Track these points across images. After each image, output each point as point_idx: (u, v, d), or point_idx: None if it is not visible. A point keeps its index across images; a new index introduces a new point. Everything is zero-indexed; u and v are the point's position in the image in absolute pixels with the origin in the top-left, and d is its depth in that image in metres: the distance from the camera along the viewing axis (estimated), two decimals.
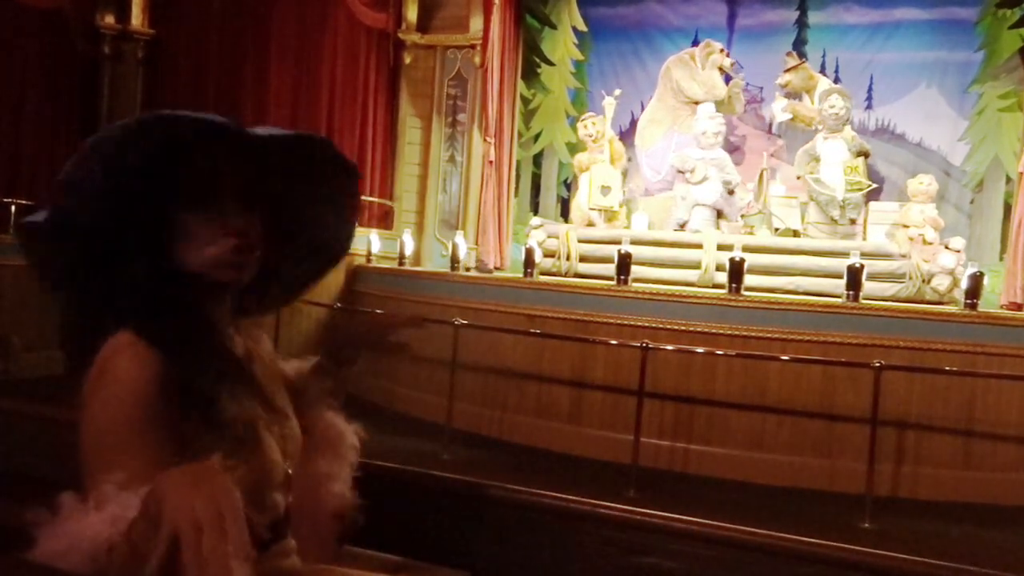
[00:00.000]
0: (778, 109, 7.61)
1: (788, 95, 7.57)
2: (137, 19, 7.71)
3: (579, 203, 7.56)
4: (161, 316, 1.17)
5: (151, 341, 1.12)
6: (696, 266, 6.35)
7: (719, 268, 6.16)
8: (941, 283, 5.99)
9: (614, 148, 7.62)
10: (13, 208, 6.85)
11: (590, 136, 7.51)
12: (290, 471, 1.29)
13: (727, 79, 7.71)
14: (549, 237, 7.10)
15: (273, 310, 1.48)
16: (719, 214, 7.01)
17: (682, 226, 6.96)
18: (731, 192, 7.06)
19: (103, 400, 1.09)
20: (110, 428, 1.07)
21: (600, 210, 7.39)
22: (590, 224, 7.39)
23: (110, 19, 7.63)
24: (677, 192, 7.17)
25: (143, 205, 1.17)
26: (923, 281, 6.00)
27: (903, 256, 6.07)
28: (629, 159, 8.06)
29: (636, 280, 6.01)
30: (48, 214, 1.15)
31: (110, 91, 7.70)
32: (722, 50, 7.65)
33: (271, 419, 1.27)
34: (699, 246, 6.44)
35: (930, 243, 6.16)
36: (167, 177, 1.17)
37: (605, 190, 7.33)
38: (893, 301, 5.85)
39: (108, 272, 1.18)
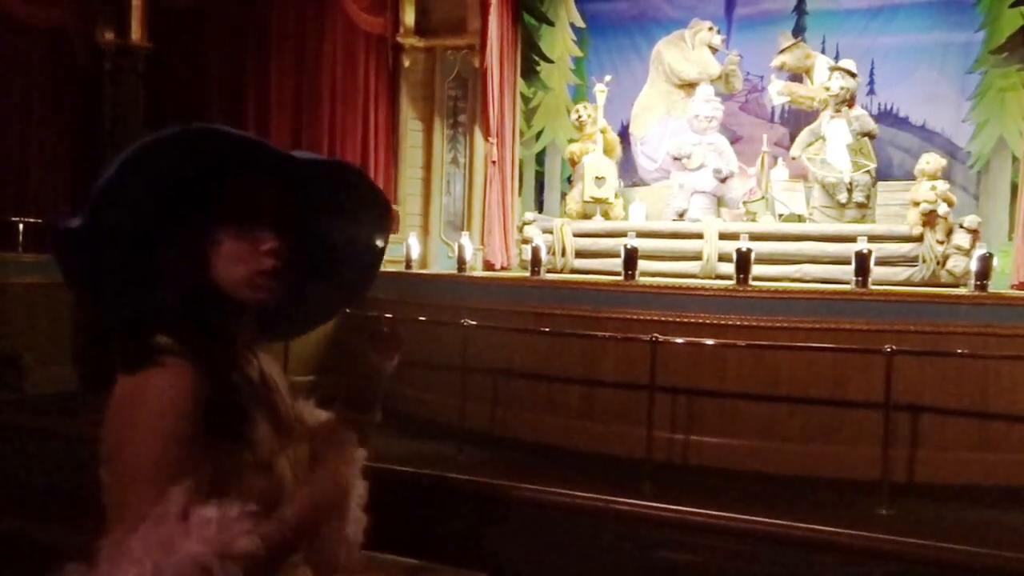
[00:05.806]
0: (774, 92, 7.44)
1: (791, 78, 7.46)
2: (136, 34, 7.73)
3: (573, 196, 7.41)
4: (193, 332, 1.16)
5: (185, 355, 1.12)
6: (697, 256, 6.21)
7: (721, 258, 6.08)
8: (957, 265, 5.78)
9: (607, 139, 7.48)
10: (21, 227, 6.90)
11: (585, 123, 7.38)
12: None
13: (721, 59, 7.64)
14: (544, 232, 6.91)
15: (292, 336, 1.50)
16: (719, 201, 6.89)
17: (681, 215, 6.80)
18: (724, 181, 6.92)
19: (139, 423, 1.08)
20: (148, 455, 1.07)
21: (596, 201, 7.20)
22: (585, 217, 7.21)
23: (110, 35, 7.65)
24: (674, 180, 7.02)
25: (180, 216, 1.18)
26: (938, 263, 5.81)
27: (915, 238, 5.89)
28: (623, 162, 8.00)
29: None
30: (82, 220, 1.12)
31: (113, 106, 7.72)
32: (711, 28, 7.55)
33: (283, 443, 1.28)
34: (700, 236, 6.28)
35: (943, 217, 5.87)
36: (205, 190, 1.18)
37: (600, 181, 7.15)
38: (907, 285, 5.76)
39: (142, 283, 1.18)
